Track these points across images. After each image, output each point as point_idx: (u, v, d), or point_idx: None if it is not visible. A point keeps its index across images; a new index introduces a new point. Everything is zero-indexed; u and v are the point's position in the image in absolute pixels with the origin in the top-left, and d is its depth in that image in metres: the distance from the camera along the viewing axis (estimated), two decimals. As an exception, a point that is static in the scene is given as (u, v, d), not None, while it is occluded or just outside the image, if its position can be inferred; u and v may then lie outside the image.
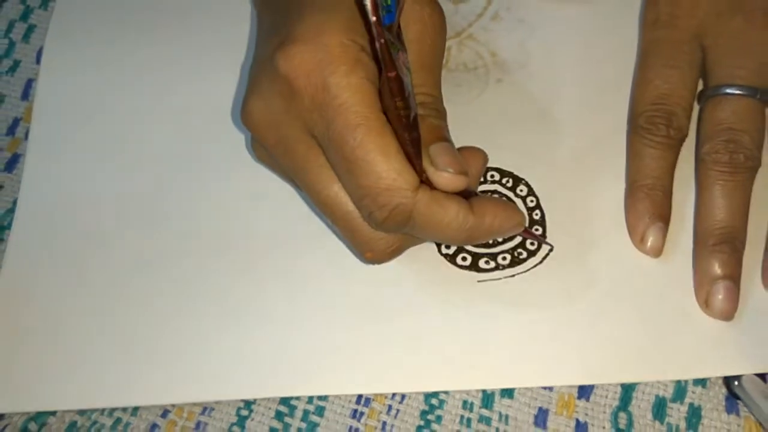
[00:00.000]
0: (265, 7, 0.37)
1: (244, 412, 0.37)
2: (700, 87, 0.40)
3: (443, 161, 0.32)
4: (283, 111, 0.33)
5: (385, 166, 0.31)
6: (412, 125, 0.32)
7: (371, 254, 0.35)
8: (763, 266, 0.37)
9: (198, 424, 0.37)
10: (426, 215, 0.32)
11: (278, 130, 0.34)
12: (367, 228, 0.34)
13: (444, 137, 0.34)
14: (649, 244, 0.37)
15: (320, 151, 0.33)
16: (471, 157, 0.35)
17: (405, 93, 0.31)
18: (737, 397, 0.35)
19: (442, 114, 0.35)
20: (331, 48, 0.31)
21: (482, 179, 0.40)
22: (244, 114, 0.34)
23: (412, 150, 0.32)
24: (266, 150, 0.35)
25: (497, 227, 0.34)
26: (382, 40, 0.30)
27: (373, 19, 0.29)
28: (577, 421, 0.35)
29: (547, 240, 0.38)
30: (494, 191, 0.40)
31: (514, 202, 0.39)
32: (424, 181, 0.33)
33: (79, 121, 0.44)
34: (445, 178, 0.32)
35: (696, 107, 0.39)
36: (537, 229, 0.39)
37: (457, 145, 0.41)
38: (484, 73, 0.43)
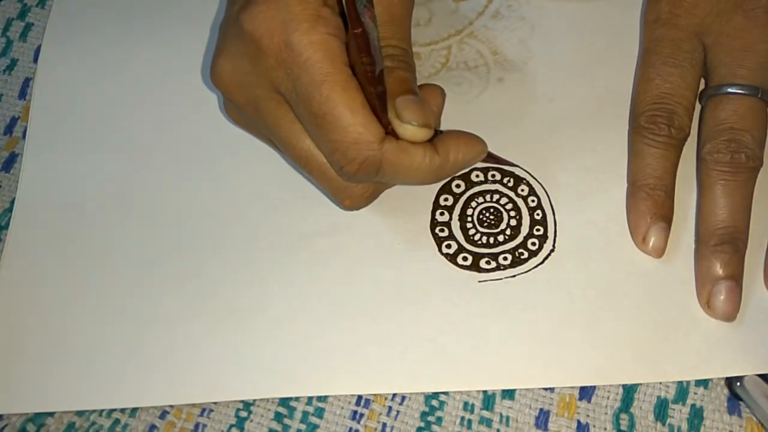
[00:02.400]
0: None
1: (243, 414, 0.36)
2: (702, 86, 0.40)
3: (408, 114, 0.33)
4: (251, 71, 0.34)
5: (351, 120, 0.32)
6: (377, 80, 0.32)
7: (349, 201, 0.37)
8: (765, 266, 0.37)
9: (197, 426, 0.36)
10: (394, 164, 0.34)
11: (247, 89, 0.35)
12: None
13: (411, 90, 0.35)
14: (651, 244, 0.37)
15: (289, 108, 0.34)
16: (429, 94, 0.37)
17: (371, 49, 0.31)
18: (739, 398, 0.35)
19: (410, 66, 0.36)
20: (292, 6, 0.32)
21: (483, 179, 0.40)
22: (214, 75, 0.35)
23: (379, 103, 0.33)
24: (238, 110, 0.36)
25: (461, 161, 0.35)
26: None
27: None
28: (579, 422, 0.35)
29: (515, 164, 0.40)
30: (495, 191, 0.40)
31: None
32: (390, 132, 0.34)
33: (77, 119, 0.44)
34: (410, 130, 0.33)
35: (698, 106, 0.39)
36: (538, 229, 0.39)
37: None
38: (485, 71, 0.43)
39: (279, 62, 0.33)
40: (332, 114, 0.32)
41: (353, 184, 0.36)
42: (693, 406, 0.35)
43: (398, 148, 0.33)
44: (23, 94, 0.46)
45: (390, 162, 0.33)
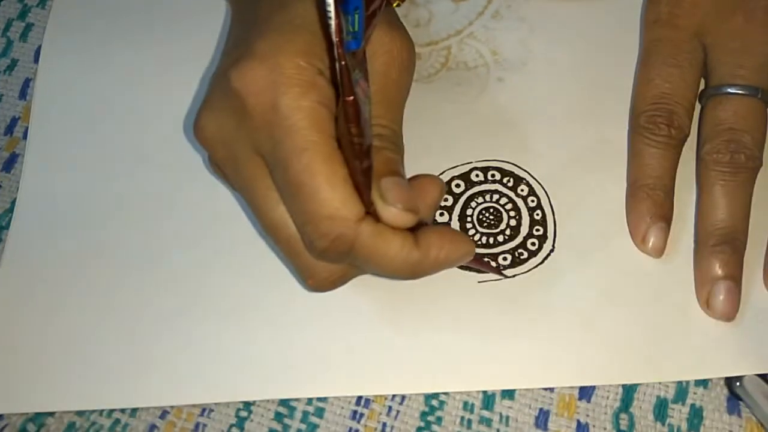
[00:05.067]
0: (236, 20, 0.37)
1: (244, 413, 0.37)
2: (702, 86, 0.40)
3: (392, 196, 0.31)
4: (234, 128, 0.32)
5: (329, 193, 0.30)
6: (364, 154, 0.31)
7: (312, 281, 0.34)
8: (764, 266, 0.37)
9: (197, 426, 0.36)
10: (368, 248, 0.31)
11: (228, 147, 0.33)
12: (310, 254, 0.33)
13: (398, 172, 0.32)
14: (650, 244, 0.37)
15: (267, 172, 0.32)
16: (427, 185, 0.34)
17: (360, 120, 0.29)
18: (739, 398, 0.35)
19: (399, 149, 0.34)
20: (286, 69, 0.31)
21: (483, 178, 0.40)
22: (196, 128, 0.34)
23: (363, 180, 0.31)
24: (218, 165, 0.35)
25: (443, 260, 0.32)
26: (343, 63, 0.28)
27: (336, 40, 0.28)
28: (578, 422, 0.35)
29: (504, 273, 0.38)
30: (495, 191, 0.40)
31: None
32: (371, 213, 0.31)
33: (78, 120, 0.44)
34: (393, 213, 0.31)
35: (697, 107, 0.39)
36: (538, 230, 0.39)
37: (457, 144, 0.41)
38: (484, 71, 0.43)
39: (263, 124, 0.31)
40: (310, 185, 0.30)
41: (320, 264, 0.33)
42: (693, 405, 0.35)
43: (375, 232, 0.31)
44: (23, 94, 0.46)
45: (364, 245, 0.31)
